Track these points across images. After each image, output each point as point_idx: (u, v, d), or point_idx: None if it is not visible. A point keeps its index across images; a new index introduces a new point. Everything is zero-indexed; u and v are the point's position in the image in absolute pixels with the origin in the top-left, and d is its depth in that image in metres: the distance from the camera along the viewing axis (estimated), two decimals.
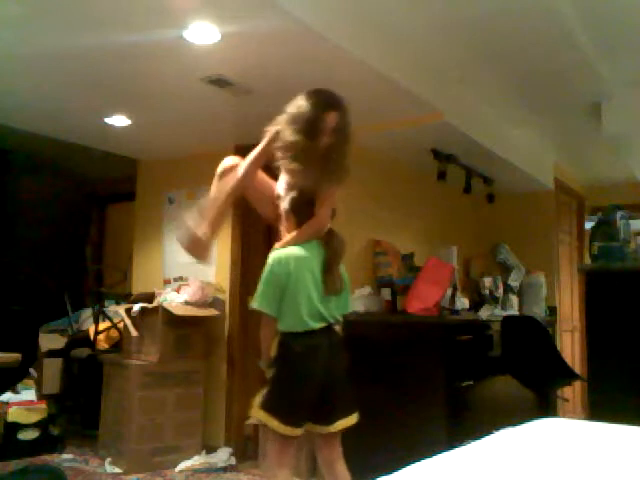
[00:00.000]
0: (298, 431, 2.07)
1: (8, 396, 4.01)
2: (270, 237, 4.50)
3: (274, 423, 2.03)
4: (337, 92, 2.16)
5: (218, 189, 2.25)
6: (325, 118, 2.07)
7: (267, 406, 2.07)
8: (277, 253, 2.14)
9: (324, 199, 2.15)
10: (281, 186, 2.23)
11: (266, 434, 2.18)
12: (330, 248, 2.16)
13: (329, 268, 2.14)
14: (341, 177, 2.15)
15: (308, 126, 2.05)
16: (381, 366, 3.49)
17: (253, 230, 4.31)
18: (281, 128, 2.12)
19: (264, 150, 2.20)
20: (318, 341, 2.09)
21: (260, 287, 2.12)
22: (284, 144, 2.09)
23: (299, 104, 2.10)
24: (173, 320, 3.83)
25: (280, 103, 3.41)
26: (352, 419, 2.17)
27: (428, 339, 3.42)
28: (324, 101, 2.10)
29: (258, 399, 2.10)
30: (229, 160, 2.31)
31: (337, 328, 2.20)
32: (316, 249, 2.15)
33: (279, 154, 2.11)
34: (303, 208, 2.15)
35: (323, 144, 2.07)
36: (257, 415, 2.09)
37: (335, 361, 2.14)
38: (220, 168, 2.32)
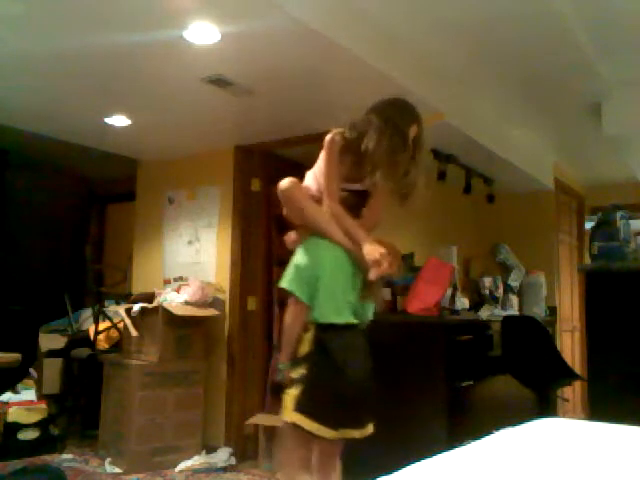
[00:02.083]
0: (338, 434, 1.94)
1: (8, 396, 4.01)
2: (270, 237, 4.51)
3: (313, 426, 1.91)
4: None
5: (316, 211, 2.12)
6: (410, 130, 2.07)
7: (303, 408, 1.94)
8: (317, 238, 2.10)
9: (380, 204, 2.16)
10: (310, 179, 2.22)
11: (295, 439, 2.03)
12: None
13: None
14: (409, 196, 2.14)
15: (399, 138, 2.04)
16: (381, 366, 3.49)
17: (253, 230, 4.31)
18: (356, 138, 2.07)
19: (333, 161, 2.11)
20: (354, 340, 2.04)
21: (294, 268, 2.07)
22: (375, 154, 2.02)
23: (384, 115, 2.07)
24: (173, 320, 3.83)
25: (280, 103, 3.41)
26: (371, 427, 2.06)
27: (428, 339, 3.42)
28: (409, 113, 2.10)
29: (289, 402, 1.97)
30: (289, 183, 2.15)
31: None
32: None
33: (361, 162, 2.06)
34: (353, 207, 2.15)
35: (410, 154, 2.07)
36: (292, 418, 1.95)
37: (367, 362, 2.07)
38: (288, 193, 2.15)
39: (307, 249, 2.09)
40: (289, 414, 1.96)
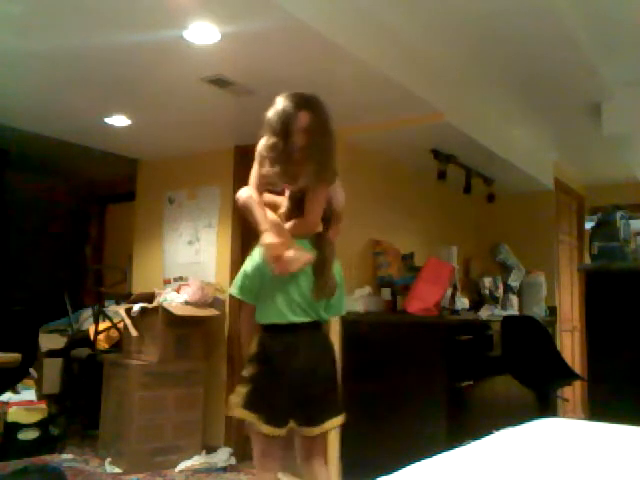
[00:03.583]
0: (281, 431, 2.05)
1: (8, 396, 4.01)
2: None
3: (255, 422, 2.03)
4: (312, 93, 2.18)
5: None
6: (296, 118, 2.07)
7: (248, 405, 2.06)
8: (260, 245, 2.17)
9: (314, 198, 2.16)
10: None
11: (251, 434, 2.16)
12: (321, 253, 2.16)
13: (319, 272, 2.13)
14: (327, 177, 2.15)
15: (280, 127, 2.06)
16: (381, 366, 3.49)
17: (253, 230, 4.30)
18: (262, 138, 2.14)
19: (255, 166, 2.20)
20: (299, 339, 2.09)
21: (238, 275, 2.18)
22: (264, 149, 2.10)
23: (273, 108, 2.12)
24: (173, 320, 3.83)
25: None
26: (339, 420, 2.15)
27: (428, 339, 3.42)
28: (295, 102, 2.11)
29: (236, 398, 2.10)
30: (242, 191, 2.26)
31: (324, 328, 2.22)
32: (306, 249, 2.15)
33: (260, 163, 2.13)
34: (294, 209, 2.18)
35: (298, 144, 2.07)
36: (238, 414, 2.08)
37: (320, 360, 2.13)
38: (240, 201, 2.25)
39: (252, 254, 2.19)
40: (236, 410, 2.09)
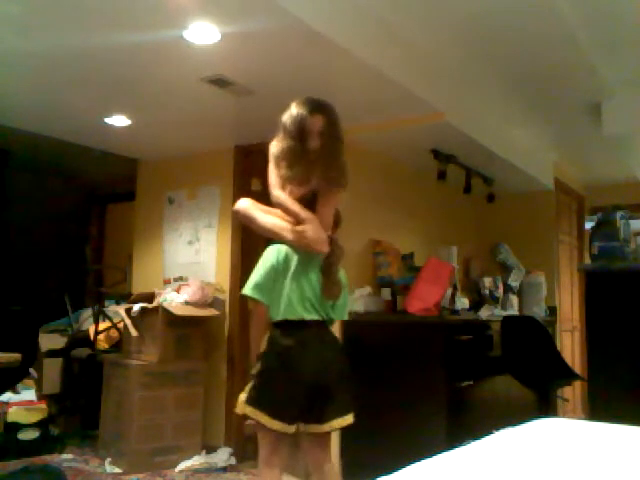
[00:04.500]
0: (290, 428, 2.05)
1: (8, 396, 4.01)
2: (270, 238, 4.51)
3: (264, 418, 2.03)
4: (325, 99, 2.23)
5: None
6: (310, 122, 2.13)
7: (254, 401, 2.07)
8: (273, 245, 2.21)
9: (325, 201, 2.18)
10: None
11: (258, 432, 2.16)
12: (330, 254, 2.18)
13: (327, 273, 2.16)
14: (341, 180, 2.19)
15: (295, 130, 2.12)
16: (381, 366, 3.49)
17: (253, 230, 4.30)
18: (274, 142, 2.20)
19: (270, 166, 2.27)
20: (309, 336, 2.11)
21: (253, 275, 2.19)
22: (280, 151, 2.15)
23: (287, 113, 2.18)
24: (173, 320, 3.83)
25: (280, 103, 3.40)
26: (347, 419, 2.15)
27: (428, 339, 3.42)
28: (309, 106, 2.16)
29: (243, 395, 2.12)
30: (240, 203, 2.34)
31: (331, 328, 2.23)
32: None
33: (276, 164, 2.18)
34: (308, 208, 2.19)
35: (312, 147, 2.13)
36: (244, 411, 2.09)
37: (329, 359, 2.14)
38: (240, 212, 2.34)
39: (265, 254, 2.23)
40: (242, 406, 2.11)
